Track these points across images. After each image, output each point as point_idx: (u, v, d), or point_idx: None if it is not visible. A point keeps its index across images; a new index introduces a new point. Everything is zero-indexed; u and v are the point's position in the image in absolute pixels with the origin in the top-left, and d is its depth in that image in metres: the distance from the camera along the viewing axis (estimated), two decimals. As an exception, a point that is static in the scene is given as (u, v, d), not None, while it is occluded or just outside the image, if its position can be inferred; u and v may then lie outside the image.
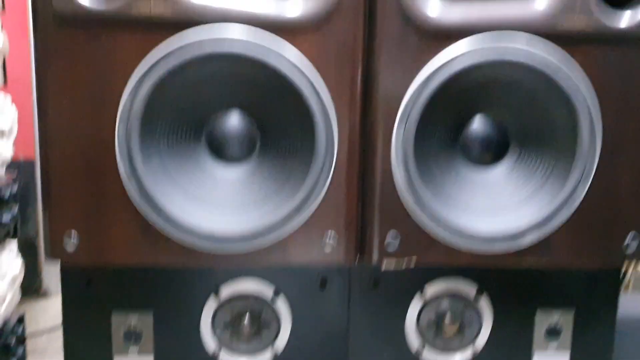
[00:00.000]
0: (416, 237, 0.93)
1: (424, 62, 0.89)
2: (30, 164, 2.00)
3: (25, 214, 2.01)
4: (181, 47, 0.84)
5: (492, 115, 0.94)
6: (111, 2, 0.83)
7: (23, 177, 1.84)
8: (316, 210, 0.91)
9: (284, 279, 1.02)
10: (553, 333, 1.07)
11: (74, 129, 0.86)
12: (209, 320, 1.03)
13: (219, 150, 0.91)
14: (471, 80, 0.90)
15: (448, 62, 0.88)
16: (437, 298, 1.05)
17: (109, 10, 0.83)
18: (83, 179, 0.88)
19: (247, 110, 0.91)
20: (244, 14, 0.86)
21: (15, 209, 1.53)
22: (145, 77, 0.84)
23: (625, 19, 0.88)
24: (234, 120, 0.91)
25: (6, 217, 1.49)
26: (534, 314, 1.07)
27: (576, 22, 0.87)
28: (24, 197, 1.92)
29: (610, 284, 1.06)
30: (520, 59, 0.88)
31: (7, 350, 1.39)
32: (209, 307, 1.02)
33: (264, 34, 0.86)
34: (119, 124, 0.85)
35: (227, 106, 0.90)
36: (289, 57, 0.86)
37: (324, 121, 0.88)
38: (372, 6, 0.88)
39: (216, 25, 0.85)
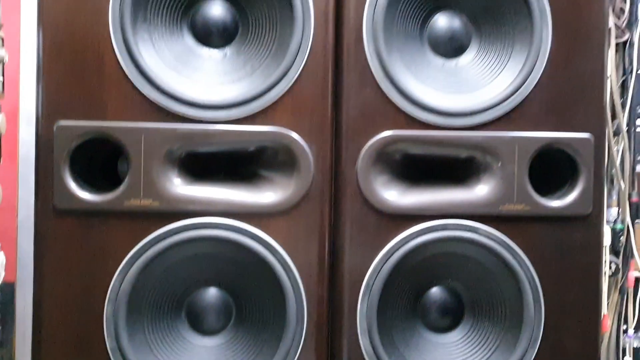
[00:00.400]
0: (382, 403, 1.00)
1: (384, 240, 1.00)
2: (10, 286, 2.04)
3: (1, 338, 2.03)
4: (166, 232, 0.95)
5: (447, 285, 1.05)
6: (104, 195, 0.95)
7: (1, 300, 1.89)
8: (288, 379, 0.98)
9: None
10: None
11: (66, 309, 0.95)
12: None
13: (197, 323, 1.00)
14: (427, 255, 1.01)
15: (405, 239, 0.99)
16: None
17: (102, 203, 0.94)
18: (72, 354, 0.95)
19: (224, 286, 1.00)
20: (224, 202, 0.97)
21: (-4, 350, 1.57)
22: (133, 261, 0.94)
23: (556, 202, 1.01)
24: (211, 296, 1.00)
25: (-14, 359, 1.52)
26: None
27: (514, 207, 1.00)
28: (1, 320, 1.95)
29: None
30: (467, 235, 1.00)
31: None
32: None
33: (240, 218, 0.97)
34: (107, 304, 0.94)
35: (206, 284, 1.00)
36: (263, 238, 0.96)
37: (295, 295, 0.97)
38: (336, 193, 1.00)
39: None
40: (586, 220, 1.03)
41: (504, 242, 1.00)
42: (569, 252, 1.03)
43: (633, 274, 1.33)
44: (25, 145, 1.94)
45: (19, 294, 1.95)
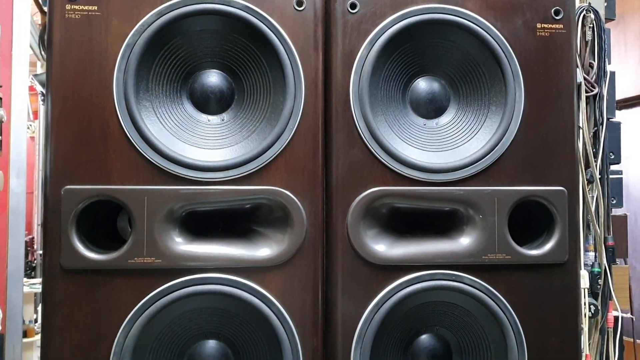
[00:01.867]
0: None
1: (375, 290, 1.06)
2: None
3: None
4: (168, 288, 1.00)
5: (436, 332, 1.10)
6: (109, 254, 1.00)
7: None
8: None
9: None
10: None
11: (72, 364, 0.99)
12: None
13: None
14: (415, 304, 1.07)
15: (395, 289, 1.05)
16: None
17: (107, 262, 1.00)
18: (77, 409, 0.99)
19: (223, 338, 1.05)
20: (222, 258, 1.03)
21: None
22: (137, 316, 0.99)
23: (534, 252, 1.08)
24: (211, 348, 1.05)
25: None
26: None
27: (496, 257, 1.06)
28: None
29: None
30: (453, 284, 1.06)
31: None
32: None
33: (238, 273, 1.02)
34: (112, 358, 0.98)
35: (206, 336, 1.05)
36: (260, 291, 1.02)
37: (290, 346, 1.02)
38: (328, 246, 1.06)
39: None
40: (563, 268, 1.09)
41: (488, 289, 1.06)
42: (548, 297, 1.09)
43: (612, 314, 1.38)
44: (15, 197, 1.98)
45: (8, 344, 1.97)
